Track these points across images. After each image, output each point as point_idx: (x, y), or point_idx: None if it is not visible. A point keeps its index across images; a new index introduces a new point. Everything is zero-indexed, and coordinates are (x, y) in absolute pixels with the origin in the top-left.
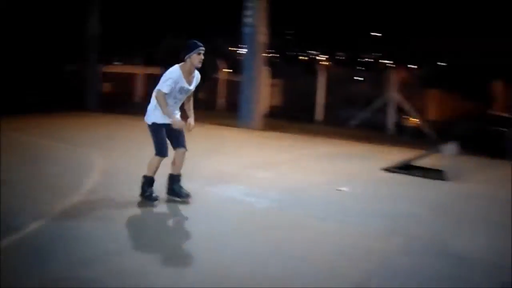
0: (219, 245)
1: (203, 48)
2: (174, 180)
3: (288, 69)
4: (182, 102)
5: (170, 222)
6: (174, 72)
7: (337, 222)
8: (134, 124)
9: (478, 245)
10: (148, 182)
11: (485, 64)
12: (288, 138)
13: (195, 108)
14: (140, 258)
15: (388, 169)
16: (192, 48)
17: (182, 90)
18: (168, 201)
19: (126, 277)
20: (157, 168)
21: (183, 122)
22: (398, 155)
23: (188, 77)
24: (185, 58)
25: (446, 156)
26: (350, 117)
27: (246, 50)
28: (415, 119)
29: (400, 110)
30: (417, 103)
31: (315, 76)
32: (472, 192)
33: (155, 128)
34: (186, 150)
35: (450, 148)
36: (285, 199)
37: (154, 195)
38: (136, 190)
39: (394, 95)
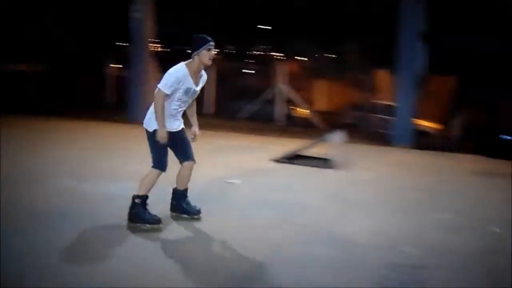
0: (99, 243)
1: (213, 43)
2: (180, 195)
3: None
4: (187, 106)
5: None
6: (179, 70)
7: (227, 214)
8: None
9: (366, 229)
10: (143, 202)
11: (370, 54)
12: None
13: (82, 104)
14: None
15: (277, 160)
16: (201, 44)
17: (188, 91)
18: (175, 218)
19: None
20: (153, 184)
21: (166, 138)
22: (287, 145)
23: (196, 77)
24: (193, 55)
25: (333, 144)
26: (240, 110)
27: (133, 44)
28: (304, 110)
29: (289, 101)
30: (305, 94)
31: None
32: (358, 179)
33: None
34: (195, 162)
35: (337, 136)
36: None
37: (156, 216)
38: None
39: (282, 87)
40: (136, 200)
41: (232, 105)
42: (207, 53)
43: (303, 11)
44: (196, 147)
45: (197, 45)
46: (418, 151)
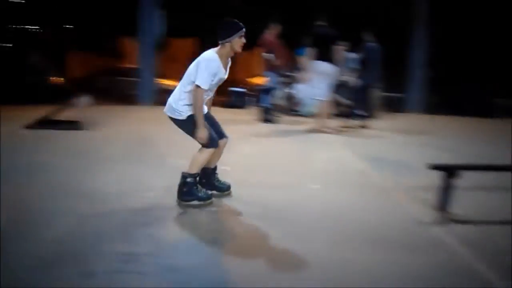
0: None
1: (245, 29)
2: (211, 173)
3: None
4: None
5: None
6: (213, 61)
7: None
8: None
9: (112, 180)
10: (195, 180)
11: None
12: None
13: None
14: None
15: (29, 126)
16: (233, 31)
17: (219, 81)
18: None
19: None
20: (205, 162)
21: (207, 138)
22: (41, 112)
23: (225, 64)
24: (223, 41)
25: (80, 108)
26: None
27: None
28: (59, 79)
29: (45, 71)
30: (60, 63)
31: None
32: (104, 136)
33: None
34: (228, 138)
35: (83, 100)
36: None
37: (208, 192)
38: None
39: (37, 58)
40: (189, 179)
41: None
42: (239, 40)
43: None
44: None
45: (229, 32)
46: (161, 107)
